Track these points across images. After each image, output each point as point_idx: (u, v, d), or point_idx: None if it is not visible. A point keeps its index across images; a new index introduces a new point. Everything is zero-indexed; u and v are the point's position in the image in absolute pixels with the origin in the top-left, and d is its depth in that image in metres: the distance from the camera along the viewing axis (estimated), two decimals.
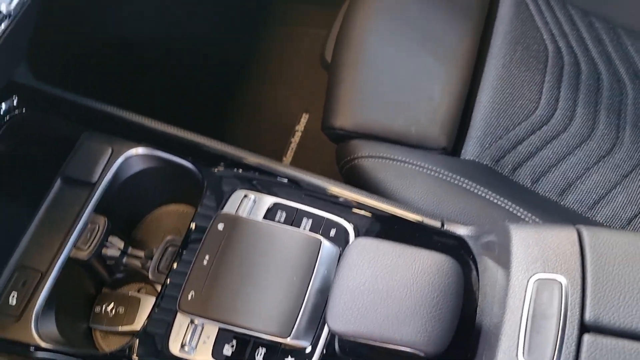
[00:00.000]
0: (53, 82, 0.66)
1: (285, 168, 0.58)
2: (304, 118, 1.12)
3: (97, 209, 0.57)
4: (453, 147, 0.70)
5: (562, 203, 0.67)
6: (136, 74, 0.99)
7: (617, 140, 0.71)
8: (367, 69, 0.71)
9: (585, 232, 0.41)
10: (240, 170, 0.58)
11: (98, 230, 0.57)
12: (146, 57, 1.01)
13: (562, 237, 0.41)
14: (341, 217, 0.54)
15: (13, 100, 0.61)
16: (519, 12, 0.77)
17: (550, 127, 0.70)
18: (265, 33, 1.20)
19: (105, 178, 0.58)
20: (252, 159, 0.59)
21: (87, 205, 0.56)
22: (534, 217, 0.61)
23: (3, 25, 0.50)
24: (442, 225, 0.53)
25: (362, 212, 0.55)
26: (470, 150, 0.68)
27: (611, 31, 0.78)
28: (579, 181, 0.68)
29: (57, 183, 0.58)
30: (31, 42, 0.65)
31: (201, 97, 1.11)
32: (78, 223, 0.55)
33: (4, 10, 0.49)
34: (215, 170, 0.58)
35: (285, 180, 0.57)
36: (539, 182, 0.68)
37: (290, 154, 1.09)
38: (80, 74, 0.84)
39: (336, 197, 0.56)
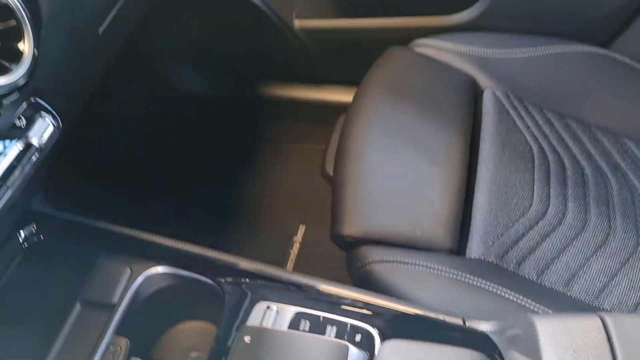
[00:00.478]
0: (67, 206, 0.69)
1: (304, 278, 0.59)
2: (301, 230, 1.16)
3: (118, 330, 0.57)
4: (458, 246, 0.72)
5: (568, 294, 0.69)
6: (143, 192, 1.03)
7: (610, 230, 0.74)
8: (368, 178, 0.76)
9: (609, 319, 0.43)
10: (259, 282, 0.59)
11: (120, 353, 0.57)
12: (152, 176, 1.05)
13: (588, 326, 0.43)
14: (364, 322, 0.55)
15: (32, 228, 0.63)
16: (501, 118, 0.84)
17: (546, 221, 0.74)
18: (262, 150, 1.27)
19: (125, 299, 0.59)
20: (269, 270, 0.60)
21: (108, 328, 0.57)
22: (545, 308, 0.63)
23: (34, 159, 0.52)
24: (464, 322, 0.54)
25: (384, 316, 0.56)
26: (475, 249, 0.71)
27: (586, 130, 0.85)
28: (581, 271, 0.70)
29: (77, 307, 0.59)
30: (48, 171, 0.68)
31: (202, 210, 1.15)
32: (100, 347, 0.55)
33: (36, 144, 0.52)
34: (235, 283, 0.59)
35: (304, 290, 0.59)
36: (544, 274, 0.70)
37: (290, 265, 1.11)
38: (92, 196, 0.87)
39: (356, 302, 0.57)
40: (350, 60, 1.15)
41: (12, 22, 0.46)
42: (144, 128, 1.24)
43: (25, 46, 0.47)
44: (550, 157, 0.81)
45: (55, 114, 0.55)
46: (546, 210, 0.75)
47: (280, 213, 1.19)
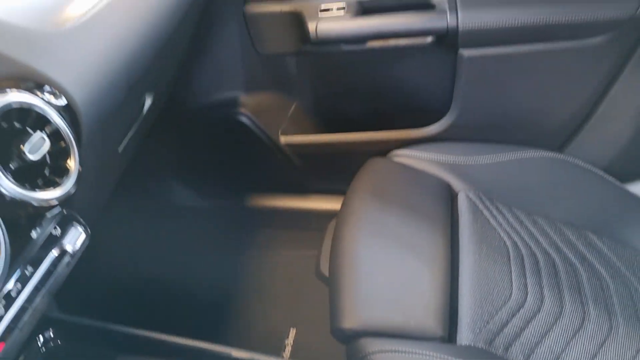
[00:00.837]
0: (79, 311, 0.73)
1: None
2: (292, 332, 1.19)
3: None
4: (449, 334, 0.78)
5: None
6: (147, 296, 1.07)
7: (585, 315, 0.81)
8: (363, 276, 0.82)
9: None
10: None
11: None
12: (153, 282, 1.09)
13: None
14: None
15: (50, 333, 0.67)
16: (476, 217, 0.93)
17: (526, 309, 0.81)
18: (252, 257, 1.33)
19: None
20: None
21: None
22: None
23: (68, 264, 0.58)
24: None
25: None
26: (465, 336, 0.77)
27: (553, 225, 0.94)
28: (564, 353, 0.76)
29: None
30: None
31: (194, 313, 1.18)
32: None
33: (70, 251, 0.57)
34: None
35: None
36: (531, 358, 0.75)
37: None
38: (103, 300, 0.91)
39: None
40: (333, 171, 1.25)
41: (62, 144, 0.54)
42: (137, 240, 1.29)
43: (72, 164, 0.54)
44: (523, 250, 0.89)
45: (84, 223, 0.61)
46: (525, 299, 0.82)
47: (270, 317, 1.23)
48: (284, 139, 1.26)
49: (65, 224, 0.59)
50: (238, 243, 1.36)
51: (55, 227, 0.58)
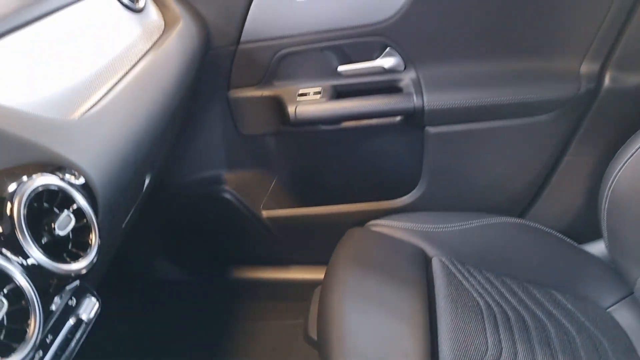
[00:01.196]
0: None
1: None
2: None
3: None
4: None
5: None
6: None
7: None
8: (350, 338, 0.88)
9: None
10: None
11: None
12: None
13: None
14: None
15: None
16: (449, 280, 1.00)
17: None
18: (237, 328, 1.36)
19: None
20: None
21: None
22: None
23: (83, 332, 0.62)
24: None
25: None
26: None
27: (520, 285, 1.02)
28: None
29: None
30: None
31: None
32: None
33: (85, 319, 0.62)
34: None
35: None
36: None
37: None
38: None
39: None
40: (314, 242, 1.32)
41: (84, 221, 0.60)
42: (121, 315, 1.31)
43: (93, 238, 0.60)
44: (495, 309, 0.96)
45: (96, 294, 0.66)
46: (501, 354, 0.88)
47: None
48: (265, 213, 1.33)
49: (80, 295, 0.64)
50: (223, 315, 1.39)
51: (71, 298, 0.62)
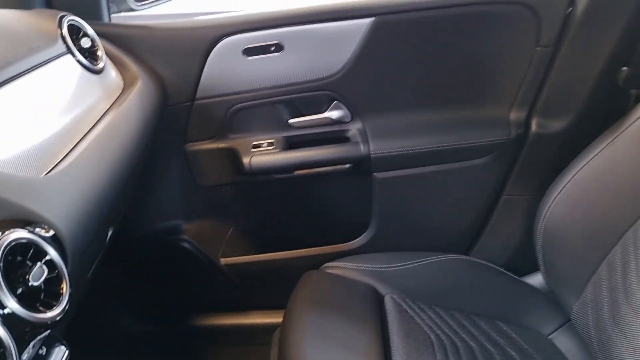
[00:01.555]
0: None
1: None
2: None
3: None
4: None
5: None
6: None
7: None
8: None
9: None
10: None
11: None
12: None
13: None
14: None
15: None
16: (402, 316, 1.06)
17: None
18: None
19: None
20: None
21: None
22: None
23: None
24: None
25: None
26: None
27: (467, 317, 1.09)
28: None
29: None
30: None
31: None
32: None
33: None
34: None
35: None
36: None
37: None
38: None
39: None
40: (272, 286, 1.36)
41: (55, 272, 0.63)
42: None
43: (64, 287, 0.63)
44: (445, 341, 1.03)
45: (65, 343, 0.69)
46: None
47: None
48: (223, 261, 1.37)
49: (50, 344, 0.66)
50: None
51: (41, 347, 0.65)
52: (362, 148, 1.22)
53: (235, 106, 1.23)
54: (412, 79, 1.21)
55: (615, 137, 1.03)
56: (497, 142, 1.22)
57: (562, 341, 1.10)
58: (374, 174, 1.24)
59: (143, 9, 1.33)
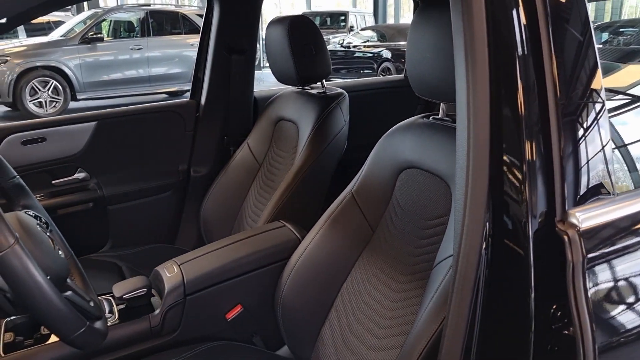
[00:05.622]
0: None
1: None
2: None
3: None
4: None
5: None
6: None
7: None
8: None
9: None
10: None
11: None
12: None
13: None
14: None
15: None
16: None
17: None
18: None
19: None
20: None
21: None
22: None
23: None
24: None
25: None
26: None
27: None
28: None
29: None
30: None
31: None
32: None
33: None
34: None
35: None
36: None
37: None
38: None
39: None
40: None
41: None
42: None
43: None
44: None
45: None
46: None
47: None
48: None
49: None
50: None
51: None
52: (98, 192, 2.14)
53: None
54: (118, 151, 2.17)
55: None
56: (172, 184, 2.27)
57: None
58: (107, 207, 2.17)
59: None
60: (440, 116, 1.29)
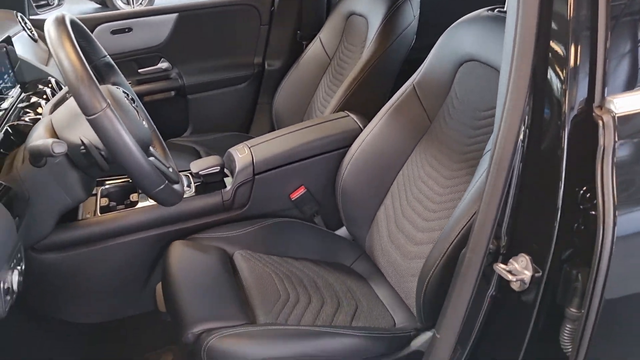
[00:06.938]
0: None
1: None
2: None
3: None
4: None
5: None
6: None
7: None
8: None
9: None
10: None
11: None
12: None
13: None
14: None
15: None
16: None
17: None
18: None
19: None
20: None
21: None
22: None
23: None
24: None
25: None
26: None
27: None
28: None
29: None
30: None
31: None
32: None
33: None
34: None
35: None
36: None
37: None
38: None
39: None
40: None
41: None
42: None
43: None
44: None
45: None
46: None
47: None
48: None
49: None
50: None
51: None
52: (179, 82, 2.23)
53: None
54: (198, 43, 2.23)
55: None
56: (247, 75, 2.30)
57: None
58: (188, 96, 2.25)
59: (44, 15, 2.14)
60: (505, 9, 1.24)
